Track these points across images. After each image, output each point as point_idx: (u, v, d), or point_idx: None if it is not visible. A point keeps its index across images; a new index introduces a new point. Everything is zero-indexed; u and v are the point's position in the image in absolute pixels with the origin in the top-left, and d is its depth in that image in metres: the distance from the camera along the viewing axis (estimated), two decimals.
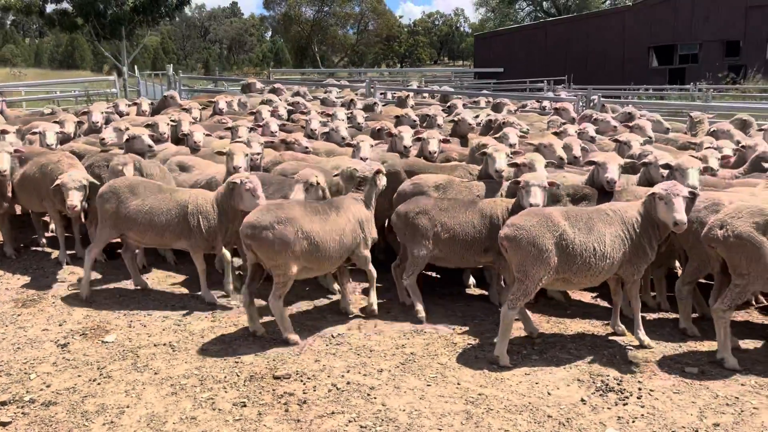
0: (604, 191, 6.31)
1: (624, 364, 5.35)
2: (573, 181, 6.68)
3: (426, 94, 16.75)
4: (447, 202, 6.13)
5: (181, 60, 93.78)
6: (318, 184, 6.14)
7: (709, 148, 7.86)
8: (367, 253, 6.07)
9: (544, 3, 61.19)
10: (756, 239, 5.03)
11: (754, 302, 6.72)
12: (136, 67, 23.67)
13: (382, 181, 6.20)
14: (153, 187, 6.41)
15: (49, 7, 55.35)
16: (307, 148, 7.71)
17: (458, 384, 4.97)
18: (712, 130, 9.47)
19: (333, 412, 4.54)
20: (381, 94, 16.24)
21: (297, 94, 14.03)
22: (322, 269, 5.93)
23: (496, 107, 13.55)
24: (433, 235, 5.99)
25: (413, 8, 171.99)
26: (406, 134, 7.54)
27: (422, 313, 6.06)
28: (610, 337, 5.87)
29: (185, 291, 6.91)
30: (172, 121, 8.82)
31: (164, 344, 5.60)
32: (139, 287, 6.84)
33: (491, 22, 64.86)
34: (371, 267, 6.11)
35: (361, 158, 6.96)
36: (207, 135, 8.40)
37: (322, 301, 6.64)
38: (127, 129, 7.75)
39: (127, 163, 6.93)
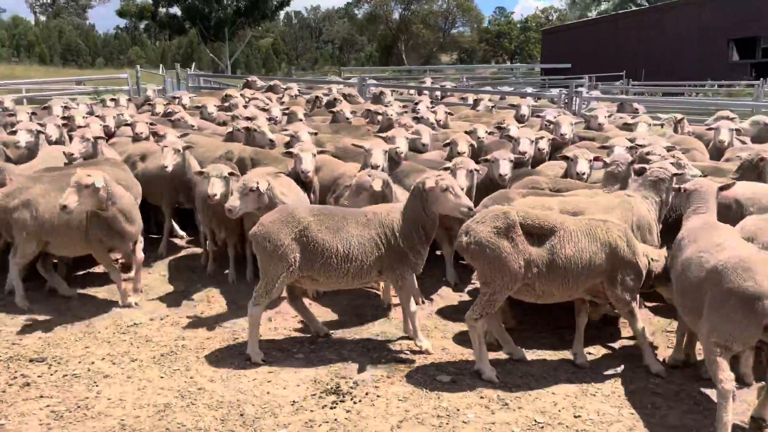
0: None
1: (380, 368, 5.16)
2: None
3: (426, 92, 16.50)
4: None
5: (293, 60, 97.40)
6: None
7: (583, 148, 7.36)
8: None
9: None
10: (495, 245, 4.70)
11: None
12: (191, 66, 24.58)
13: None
14: None
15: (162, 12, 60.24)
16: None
17: (191, 378, 5.01)
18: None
19: (42, 396, 4.72)
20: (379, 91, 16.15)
21: (271, 88, 14.40)
22: (65, 247, 6.35)
23: (476, 103, 13.37)
24: None
25: (532, 3, 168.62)
26: (265, 128, 7.66)
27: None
28: (403, 341, 5.65)
29: None
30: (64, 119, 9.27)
31: None
32: None
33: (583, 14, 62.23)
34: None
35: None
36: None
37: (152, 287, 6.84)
38: None
39: None
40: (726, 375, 3.97)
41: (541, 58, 43.08)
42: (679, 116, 9.89)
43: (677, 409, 4.61)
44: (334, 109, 10.43)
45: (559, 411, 4.58)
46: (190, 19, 60.03)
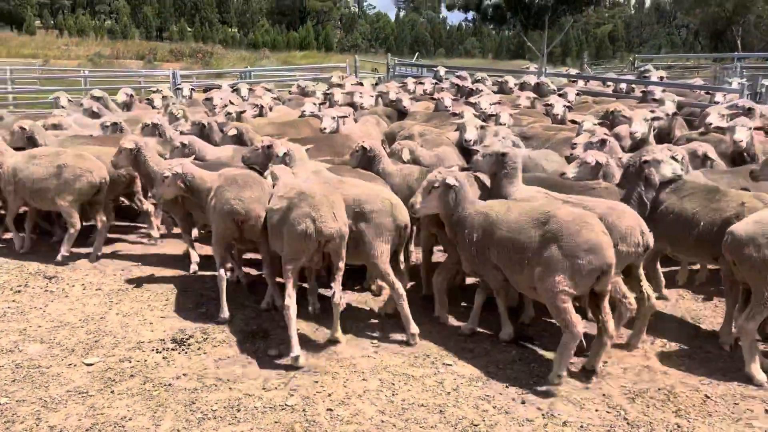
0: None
1: (249, 331, 5.70)
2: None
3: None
4: None
5: (635, 47, 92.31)
6: None
7: None
8: None
9: None
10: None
11: None
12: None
13: None
14: None
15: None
16: None
17: (109, 309, 6.19)
18: None
19: (13, 300, 6.40)
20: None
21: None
22: None
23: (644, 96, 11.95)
24: None
25: None
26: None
27: None
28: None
29: None
30: None
31: None
32: None
33: None
34: None
35: None
36: None
37: None
38: None
39: None
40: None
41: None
42: None
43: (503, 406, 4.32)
44: (436, 96, 10.66)
45: (394, 376, 4.92)
46: (510, 9, 61.67)
